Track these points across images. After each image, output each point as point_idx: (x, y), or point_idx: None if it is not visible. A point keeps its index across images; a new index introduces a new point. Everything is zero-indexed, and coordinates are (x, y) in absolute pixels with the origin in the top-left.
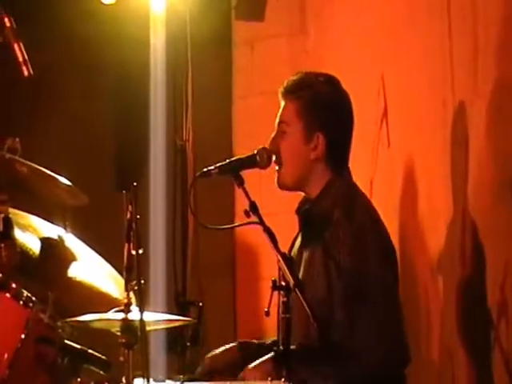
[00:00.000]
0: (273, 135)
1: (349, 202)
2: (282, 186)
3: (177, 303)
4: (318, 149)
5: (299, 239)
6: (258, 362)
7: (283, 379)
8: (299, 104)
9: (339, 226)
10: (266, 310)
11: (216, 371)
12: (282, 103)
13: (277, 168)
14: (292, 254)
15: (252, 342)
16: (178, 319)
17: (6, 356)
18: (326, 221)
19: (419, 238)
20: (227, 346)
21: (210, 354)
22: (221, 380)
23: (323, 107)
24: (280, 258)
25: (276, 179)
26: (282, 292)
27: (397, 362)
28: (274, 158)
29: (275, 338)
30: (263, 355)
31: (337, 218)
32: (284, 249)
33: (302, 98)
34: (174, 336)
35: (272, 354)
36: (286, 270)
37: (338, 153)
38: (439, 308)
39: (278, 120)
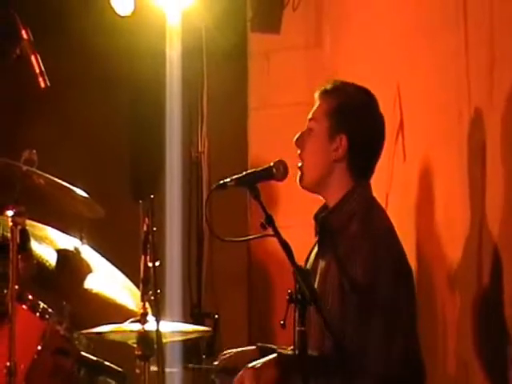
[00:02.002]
0: (302, 131)
1: (366, 216)
2: (303, 182)
3: (192, 315)
4: (340, 150)
5: (316, 248)
6: (257, 362)
7: None
8: (329, 104)
9: (355, 239)
10: (281, 322)
11: (231, 369)
12: (317, 103)
13: (299, 164)
14: (309, 262)
15: (271, 347)
16: (194, 330)
17: (22, 367)
18: (341, 232)
19: (436, 250)
20: (247, 348)
21: (226, 352)
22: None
23: (351, 111)
24: (295, 271)
25: (298, 176)
26: (297, 305)
27: (408, 377)
28: (298, 151)
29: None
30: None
31: (353, 231)
32: (300, 261)
33: (334, 99)
34: (189, 349)
35: (275, 355)
36: (302, 284)
37: (359, 159)
38: (455, 320)
39: (308, 117)
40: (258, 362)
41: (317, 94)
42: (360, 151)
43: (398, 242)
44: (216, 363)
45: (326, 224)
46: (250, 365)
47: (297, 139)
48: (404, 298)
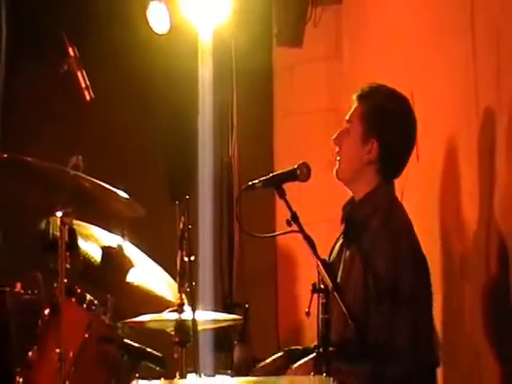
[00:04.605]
0: (340, 130)
1: (388, 213)
2: (338, 176)
3: (224, 305)
4: (371, 154)
5: (340, 240)
6: (300, 362)
7: (324, 374)
8: (364, 108)
9: (377, 234)
10: (306, 311)
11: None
12: (354, 105)
13: (338, 159)
14: (334, 251)
15: (297, 349)
16: (226, 318)
17: (71, 354)
18: (365, 225)
19: (447, 244)
20: (275, 356)
21: (260, 364)
22: None
23: (383, 118)
24: (319, 264)
25: (335, 169)
26: (321, 294)
27: (429, 364)
28: (336, 149)
29: (317, 343)
30: None
31: (375, 226)
32: (323, 254)
33: (368, 103)
34: (222, 336)
35: (313, 354)
36: (325, 275)
37: (389, 163)
38: (466, 309)
39: (347, 117)
40: (301, 362)
41: (354, 96)
42: (390, 156)
43: (416, 237)
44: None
45: (351, 215)
46: (294, 366)
47: (335, 138)
48: (423, 288)
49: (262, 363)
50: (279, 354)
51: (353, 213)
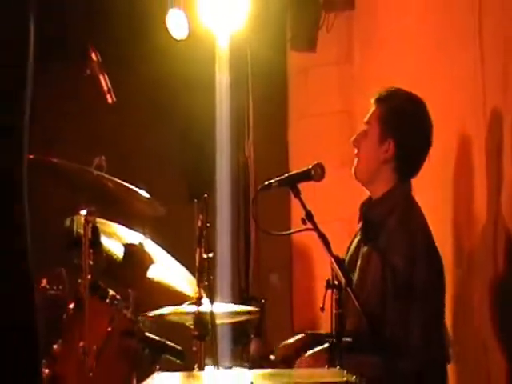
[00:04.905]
0: (359, 132)
1: (405, 212)
2: (356, 176)
3: (241, 299)
4: (388, 153)
5: (358, 236)
6: (312, 351)
7: (338, 367)
8: (381, 110)
9: (394, 233)
10: (321, 306)
11: (288, 359)
12: (372, 108)
13: (356, 160)
14: (351, 247)
15: (318, 334)
16: (243, 310)
17: (94, 347)
18: (382, 224)
19: (456, 241)
20: (297, 336)
21: (282, 344)
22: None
23: (400, 119)
24: (333, 260)
25: (353, 169)
26: (335, 290)
27: (440, 361)
28: (355, 150)
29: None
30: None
31: (392, 225)
32: (337, 252)
33: (386, 106)
34: (238, 330)
35: (327, 344)
36: (338, 271)
37: (405, 163)
38: (475, 303)
39: (365, 119)
40: (313, 351)
41: (372, 100)
42: (406, 156)
43: (431, 237)
44: (273, 356)
45: (368, 214)
46: (307, 354)
47: (353, 140)
48: (437, 286)
49: (284, 342)
50: (300, 335)
51: (370, 212)
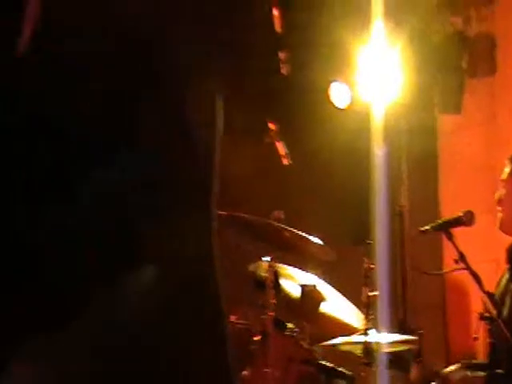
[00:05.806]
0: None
1: None
2: (501, 228)
3: (400, 330)
4: None
5: (506, 276)
6: (468, 374)
7: None
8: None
9: None
10: (474, 336)
11: None
12: (508, 167)
13: (499, 215)
14: (500, 285)
15: (474, 363)
16: (404, 339)
17: (277, 374)
18: None
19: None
20: (455, 366)
21: (443, 371)
22: None
23: None
24: (484, 295)
25: (498, 223)
26: (487, 322)
27: None
28: (498, 208)
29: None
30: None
31: None
32: (487, 288)
33: None
34: (400, 357)
35: (483, 373)
36: (490, 305)
37: None
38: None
39: (502, 177)
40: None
41: (507, 160)
42: None
43: None
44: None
45: None
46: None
47: (497, 200)
48: None
49: (447, 370)
50: (456, 365)
51: None
